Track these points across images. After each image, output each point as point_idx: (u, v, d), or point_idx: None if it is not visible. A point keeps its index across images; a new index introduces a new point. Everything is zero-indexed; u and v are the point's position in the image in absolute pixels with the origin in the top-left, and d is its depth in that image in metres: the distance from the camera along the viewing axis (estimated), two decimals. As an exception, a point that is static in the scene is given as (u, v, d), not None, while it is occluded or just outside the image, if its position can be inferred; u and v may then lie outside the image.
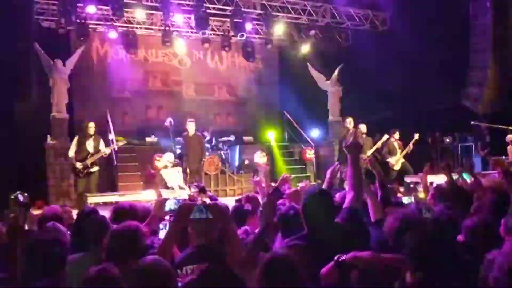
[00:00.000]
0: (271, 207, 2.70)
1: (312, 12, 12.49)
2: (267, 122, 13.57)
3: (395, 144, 10.58)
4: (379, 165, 4.50)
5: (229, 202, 5.64)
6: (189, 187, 9.14)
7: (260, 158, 12.04)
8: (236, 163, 12.13)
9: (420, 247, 2.19)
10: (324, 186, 4.01)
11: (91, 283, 2.25)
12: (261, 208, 3.99)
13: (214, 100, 13.97)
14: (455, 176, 5.04)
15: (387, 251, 2.55)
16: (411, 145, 10.48)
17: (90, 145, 8.75)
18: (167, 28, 11.91)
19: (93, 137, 8.82)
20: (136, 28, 12.07)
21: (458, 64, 12.45)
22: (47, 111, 10.09)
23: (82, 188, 8.73)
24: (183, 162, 9.98)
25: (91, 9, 10.77)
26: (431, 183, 6.21)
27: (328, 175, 4.01)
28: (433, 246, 2.19)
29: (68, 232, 3.55)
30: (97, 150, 8.76)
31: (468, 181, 5.14)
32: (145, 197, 7.57)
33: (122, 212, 3.61)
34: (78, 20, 10.74)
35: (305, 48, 13.05)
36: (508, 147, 9.51)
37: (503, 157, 9.61)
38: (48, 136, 9.98)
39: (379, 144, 10.44)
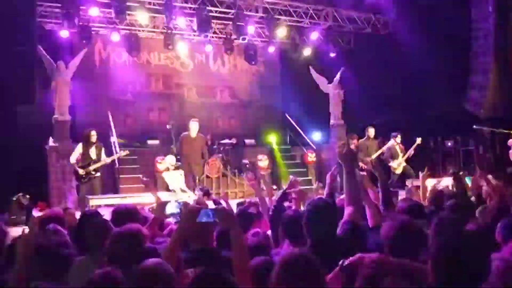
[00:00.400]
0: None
1: (314, 15, 12.51)
2: (268, 125, 13.58)
3: (397, 148, 10.59)
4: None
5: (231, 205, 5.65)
6: (194, 189, 9.14)
7: (261, 161, 12.05)
8: (238, 166, 12.13)
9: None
10: (325, 191, 4.01)
11: (94, 286, 2.25)
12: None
13: (216, 103, 13.98)
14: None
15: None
16: (413, 148, 10.48)
17: (92, 152, 8.87)
18: (169, 31, 11.94)
19: (95, 144, 8.96)
20: (139, 31, 12.10)
21: (460, 68, 12.45)
22: (49, 113, 10.11)
23: (84, 192, 8.77)
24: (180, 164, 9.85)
25: (94, 11, 10.79)
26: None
27: (328, 180, 4.02)
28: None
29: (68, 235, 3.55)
30: (99, 158, 8.89)
31: (469, 184, 5.15)
32: (146, 199, 7.59)
33: (122, 214, 3.61)
34: (81, 23, 10.78)
35: (307, 51, 13.06)
36: (510, 152, 9.49)
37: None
38: (50, 138, 10.00)
39: (384, 148, 10.44)
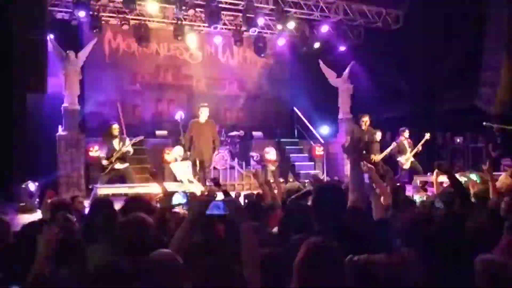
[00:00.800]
0: None
1: (325, 9, 12.43)
2: (277, 118, 13.56)
3: (405, 143, 10.54)
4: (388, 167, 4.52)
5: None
6: (204, 178, 9.12)
7: (269, 154, 12.05)
8: (245, 159, 12.14)
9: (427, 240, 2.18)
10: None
11: (103, 276, 2.26)
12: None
13: (225, 95, 13.98)
14: (463, 178, 5.01)
15: (389, 251, 2.55)
16: (422, 143, 10.42)
17: (116, 144, 9.08)
18: (179, 22, 11.93)
19: (118, 137, 9.16)
20: (148, 21, 12.10)
21: (471, 64, 12.36)
22: (59, 102, 10.17)
23: (104, 183, 8.93)
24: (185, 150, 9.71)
25: (104, 1, 10.80)
26: (441, 183, 6.18)
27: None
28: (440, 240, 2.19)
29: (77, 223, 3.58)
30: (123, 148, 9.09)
31: (478, 181, 5.11)
32: (153, 189, 7.62)
33: (132, 204, 3.63)
34: (91, 13, 10.80)
35: (317, 45, 13.00)
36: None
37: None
38: (60, 126, 10.06)
39: (387, 151, 10.38)
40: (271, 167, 10.80)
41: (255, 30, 12.26)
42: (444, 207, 3.93)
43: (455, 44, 13.50)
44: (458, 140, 12.52)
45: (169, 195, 4.03)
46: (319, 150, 12.66)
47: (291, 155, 12.75)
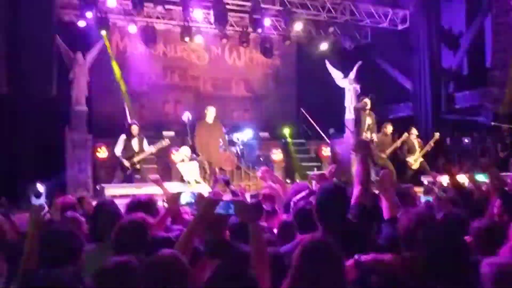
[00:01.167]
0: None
1: (331, 9, 12.41)
2: (283, 119, 13.55)
3: (415, 142, 10.45)
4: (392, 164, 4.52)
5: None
6: (216, 179, 9.14)
7: (275, 154, 12.06)
8: (252, 159, 12.13)
9: (429, 244, 2.18)
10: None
11: (107, 274, 2.27)
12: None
13: (231, 95, 13.99)
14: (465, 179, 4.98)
15: (397, 249, 2.54)
16: (431, 143, 10.36)
17: (135, 144, 9.27)
18: (186, 23, 11.95)
19: (137, 137, 9.32)
20: (156, 22, 12.14)
21: (478, 63, 12.30)
22: (67, 103, 10.23)
23: (119, 181, 9.12)
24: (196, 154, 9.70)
25: (111, 2, 10.85)
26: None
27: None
28: (441, 243, 2.19)
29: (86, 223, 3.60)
30: (141, 149, 9.26)
31: (487, 181, 5.07)
32: (160, 190, 7.62)
33: (135, 205, 3.63)
34: (98, 14, 10.85)
35: (323, 45, 12.98)
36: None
37: None
38: (67, 127, 10.12)
39: (398, 142, 10.35)
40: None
41: (262, 31, 12.26)
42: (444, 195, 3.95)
43: (462, 43, 13.45)
44: (466, 140, 12.44)
45: (176, 195, 4.02)
46: (325, 151, 12.63)
47: (297, 155, 12.72)
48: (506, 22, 11.23)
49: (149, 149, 9.32)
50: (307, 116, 13.16)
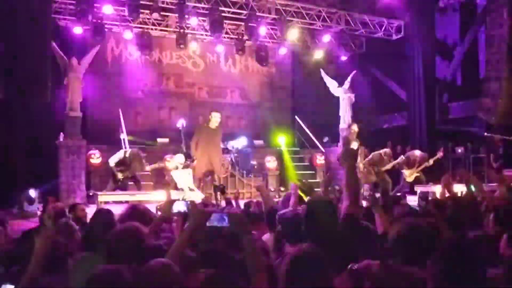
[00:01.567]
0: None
1: (327, 18, 12.48)
2: (278, 127, 13.58)
3: (416, 159, 10.48)
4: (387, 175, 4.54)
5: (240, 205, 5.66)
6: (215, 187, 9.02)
7: (270, 162, 12.07)
8: (246, 167, 12.13)
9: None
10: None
11: (98, 283, 2.25)
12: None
13: (226, 103, 14.00)
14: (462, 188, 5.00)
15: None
16: (431, 161, 10.37)
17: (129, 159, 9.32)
18: (181, 31, 11.98)
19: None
20: (151, 29, 12.16)
21: (472, 74, 12.39)
22: (61, 109, 10.20)
23: (111, 190, 9.17)
24: (191, 160, 9.55)
25: (107, 9, 10.86)
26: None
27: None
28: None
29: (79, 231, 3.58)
30: (135, 166, 9.33)
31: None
32: (155, 197, 7.62)
33: (133, 213, 3.61)
34: (94, 20, 10.85)
35: (318, 54, 13.04)
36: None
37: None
38: (61, 133, 10.08)
39: (389, 166, 10.38)
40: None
41: (257, 39, 12.30)
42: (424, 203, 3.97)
43: (457, 54, 13.56)
44: (460, 151, 12.50)
45: (170, 203, 4.01)
46: (320, 159, 12.66)
47: (292, 163, 12.73)
48: (499, 34, 11.34)
49: (146, 167, 9.38)
50: (302, 124, 13.21)
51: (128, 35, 11.80)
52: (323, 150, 12.72)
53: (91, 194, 9.47)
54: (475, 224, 3.44)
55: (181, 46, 12.11)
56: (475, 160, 12.08)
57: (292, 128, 13.95)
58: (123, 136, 10.74)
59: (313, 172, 12.70)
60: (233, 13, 11.69)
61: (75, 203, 6.17)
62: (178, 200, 4.60)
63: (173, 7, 11.16)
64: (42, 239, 2.53)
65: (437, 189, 5.87)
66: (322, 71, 12.71)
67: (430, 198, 4.99)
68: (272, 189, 11.29)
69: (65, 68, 10.20)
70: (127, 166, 9.20)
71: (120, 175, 9.14)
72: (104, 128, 11.52)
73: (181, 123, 10.81)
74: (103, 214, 3.53)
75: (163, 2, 11.19)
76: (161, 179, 10.27)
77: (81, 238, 3.40)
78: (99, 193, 8.66)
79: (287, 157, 12.71)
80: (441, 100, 13.37)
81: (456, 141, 12.66)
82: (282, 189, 11.28)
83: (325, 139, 13.02)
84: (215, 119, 9.32)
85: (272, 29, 12.78)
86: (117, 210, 3.80)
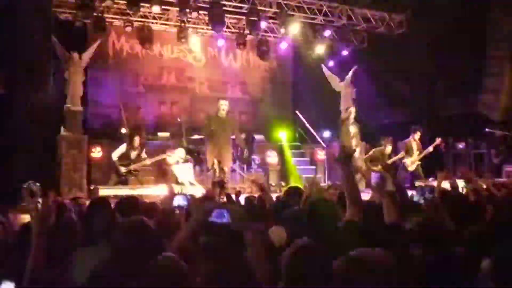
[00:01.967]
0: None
1: (328, 13, 12.44)
2: (279, 122, 13.56)
3: (414, 144, 10.45)
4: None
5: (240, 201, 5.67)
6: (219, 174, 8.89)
7: (270, 157, 12.05)
8: (246, 162, 12.12)
9: None
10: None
11: (103, 278, 2.25)
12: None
13: (227, 98, 13.92)
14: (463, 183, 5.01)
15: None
16: (431, 148, 10.36)
17: (133, 154, 9.27)
18: (182, 24, 11.94)
19: (137, 147, 9.33)
20: (152, 23, 12.13)
21: (474, 70, 12.34)
22: (61, 102, 10.18)
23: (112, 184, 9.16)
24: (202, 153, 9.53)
25: (108, 3, 10.83)
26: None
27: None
28: None
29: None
30: (139, 159, 9.27)
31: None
32: (155, 191, 7.62)
33: (125, 204, 3.62)
34: (95, 14, 10.82)
35: (320, 49, 13.01)
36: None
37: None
38: (62, 127, 10.07)
39: (396, 158, 10.37)
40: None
41: (259, 34, 12.27)
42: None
43: (459, 49, 13.50)
44: (460, 146, 12.48)
45: (171, 196, 4.02)
46: (321, 154, 12.65)
47: (293, 158, 12.72)
48: (502, 30, 11.29)
49: (146, 160, 9.34)
50: (303, 119, 13.19)
51: (129, 29, 11.77)
52: (324, 145, 12.70)
53: (92, 188, 9.47)
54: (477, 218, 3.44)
55: (182, 40, 12.09)
56: (476, 156, 12.06)
57: (293, 123, 13.93)
58: (124, 130, 10.74)
59: (314, 167, 12.69)
60: (234, 7, 11.65)
61: (76, 196, 6.19)
62: (179, 194, 4.61)
63: (174, 0, 11.12)
64: (37, 217, 2.51)
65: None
66: (323, 66, 12.69)
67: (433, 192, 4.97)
68: (273, 184, 11.30)
69: (66, 62, 10.18)
70: (129, 159, 9.22)
71: (123, 169, 9.15)
72: (105, 122, 11.51)
73: (182, 117, 10.79)
74: (101, 206, 3.52)
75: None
76: (162, 173, 10.27)
77: (82, 231, 3.40)
78: (100, 187, 8.66)
79: (287, 152, 12.70)
80: (443, 95, 13.33)
81: (457, 136, 12.64)
82: (283, 184, 11.28)
83: (327, 134, 13.00)
84: (222, 107, 9.24)
85: (273, 23, 12.74)
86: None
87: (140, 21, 11.90)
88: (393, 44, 13.10)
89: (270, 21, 12.52)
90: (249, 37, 12.72)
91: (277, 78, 14.46)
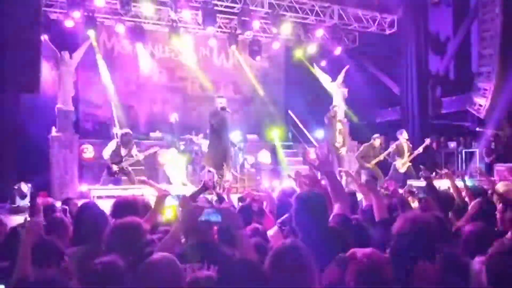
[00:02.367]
0: None
1: (320, 13, 12.46)
2: (271, 121, 13.57)
3: (405, 145, 10.48)
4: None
5: (232, 199, 5.66)
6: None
7: (263, 157, 12.07)
8: (240, 161, 12.12)
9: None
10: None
11: (96, 275, 2.25)
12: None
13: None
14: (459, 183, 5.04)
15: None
16: (421, 149, 10.40)
17: (123, 151, 9.15)
18: (174, 24, 11.92)
19: (129, 145, 9.21)
20: (144, 22, 12.08)
21: (465, 69, 12.43)
22: (52, 103, 10.13)
23: (106, 184, 9.04)
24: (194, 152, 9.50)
25: (99, 2, 10.77)
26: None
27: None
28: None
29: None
30: (130, 155, 9.13)
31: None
32: (147, 191, 7.59)
33: (123, 206, 3.61)
34: (86, 13, 10.76)
35: (311, 48, 13.03)
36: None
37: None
38: (53, 127, 10.02)
39: (381, 157, 10.41)
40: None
41: (250, 33, 12.27)
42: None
43: (449, 49, 13.59)
44: (452, 145, 12.56)
45: (162, 197, 4.00)
46: (312, 153, 12.65)
47: (285, 158, 12.74)
48: (492, 28, 11.37)
49: (138, 156, 9.26)
50: (295, 119, 13.21)
51: (120, 28, 11.71)
52: (316, 145, 12.72)
53: (84, 188, 9.42)
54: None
55: (174, 39, 12.05)
56: (467, 155, 12.15)
57: (285, 122, 13.94)
58: (116, 130, 10.70)
59: (306, 166, 12.70)
60: (226, 6, 11.64)
61: (68, 197, 6.15)
62: (170, 194, 4.59)
63: (167, 0, 11.09)
64: (28, 231, 2.53)
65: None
66: (315, 65, 12.72)
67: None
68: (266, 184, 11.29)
69: (57, 62, 10.13)
70: (120, 157, 9.16)
71: (115, 167, 9.08)
72: (96, 122, 11.46)
73: (174, 117, 10.77)
74: (90, 208, 3.51)
75: (155, -5, 11.13)
76: (155, 173, 10.25)
77: (73, 232, 3.39)
78: (92, 187, 8.62)
79: (280, 151, 12.71)
80: (434, 94, 13.41)
81: (448, 135, 12.73)
82: (275, 183, 11.29)
83: (318, 134, 13.03)
84: (220, 104, 9.05)
85: (265, 23, 12.74)
86: (110, 205, 3.78)
87: (132, 21, 11.86)
88: (384, 43, 13.17)
89: (262, 20, 12.52)
90: (241, 37, 12.71)
91: (269, 77, 14.47)
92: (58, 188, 9.60)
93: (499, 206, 3.51)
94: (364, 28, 13.05)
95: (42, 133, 9.96)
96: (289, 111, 13.63)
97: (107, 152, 9.18)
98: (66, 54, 10.18)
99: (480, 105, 11.65)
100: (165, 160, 10.12)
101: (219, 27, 12.68)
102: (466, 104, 12.04)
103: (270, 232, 3.35)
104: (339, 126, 10.97)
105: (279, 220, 3.83)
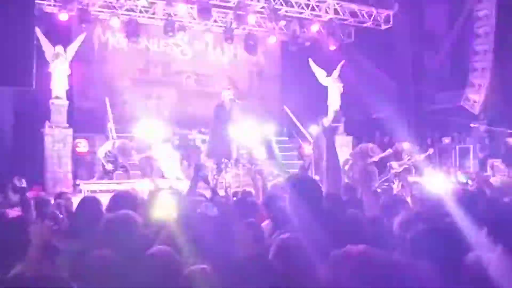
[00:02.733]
0: None
1: (316, 7, 12.44)
2: (267, 116, 13.54)
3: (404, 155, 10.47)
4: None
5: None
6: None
7: (258, 152, 12.03)
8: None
9: None
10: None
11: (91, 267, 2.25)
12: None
13: (215, 92, 13.89)
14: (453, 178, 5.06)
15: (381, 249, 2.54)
16: (422, 156, 10.40)
17: (121, 158, 9.40)
18: (169, 18, 11.85)
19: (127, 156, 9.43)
20: (139, 16, 12.01)
21: (460, 65, 12.45)
22: (46, 97, 10.06)
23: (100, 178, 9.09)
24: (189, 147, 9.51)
25: (94, -5, 10.71)
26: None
27: None
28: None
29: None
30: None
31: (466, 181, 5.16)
32: (141, 186, 7.57)
33: (120, 200, 3.59)
34: (80, 7, 10.69)
35: (307, 43, 13.00)
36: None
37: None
38: (47, 122, 9.96)
39: (376, 158, 10.41)
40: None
41: (246, 28, 12.23)
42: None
43: (445, 45, 13.61)
44: (446, 141, 12.61)
45: (155, 192, 4.00)
46: (308, 149, 12.66)
47: (280, 153, 12.72)
48: (487, 26, 11.40)
49: (134, 156, 9.32)
50: (290, 114, 13.20)
51: (115, 22, 11.63)
52: (311, 140, 12.72)
53: (77, 183, 9.39)
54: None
55: (169, 33, 12.00)
56: (461, 150, 12.19)
57: (280, 117, 13.92)
58: (110, 125, 10.66)
59: (301, 161, 12.70)
60: (221, 0, 11.59)
61: (61, 191, 6.13)
62: (164, 189, 4.59)
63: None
64: (36, 235, 2.52)
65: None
66: (310, 60, 12.69)
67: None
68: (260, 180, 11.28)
69: (51, 56, 10.06)
70: (115, 158, 9.17)
71: (110, 166, 9.08)
72: (90, 116, 11.40)
73: (168, 112, 10.73)
74: (89, 202, 3.50)
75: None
76: (149, 168, 10.21)
77: (68, 227, 3.37)
78: (85, 181, 8.59)
79: (275, 146, 12.70)
80: (429, 90, 13.44)
81: (443, 131, 12.76)
82: (270, 178, 11.28)
83: (313, 129, 13.03)
84: (226, 97, 8.79)
85: (261, 17, 12.70)
86: (104, 199, 3.77)
87: (127, 15, 11.78)
88: (380, 39, 13.16)
89: (258, 15, 12.47)
90: (236, 32, 12.66)
91: (264, 72, 14.44)
92: (51, 183, 9.56)
93: None
94: (360, 23, 13.03)
95: (36, 128, 9.90)
96: (284, 107, 13.63)
97: (102, 152, 9.18)
98: (60, 48, 10.11)
99: (475, 101, 11.68)
100: (160, 154, 10.09)
101: (215, 21, 12.63)
102: (460, 99, 12.08)
103: (264, 225, 3.34)
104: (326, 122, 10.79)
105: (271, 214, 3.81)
